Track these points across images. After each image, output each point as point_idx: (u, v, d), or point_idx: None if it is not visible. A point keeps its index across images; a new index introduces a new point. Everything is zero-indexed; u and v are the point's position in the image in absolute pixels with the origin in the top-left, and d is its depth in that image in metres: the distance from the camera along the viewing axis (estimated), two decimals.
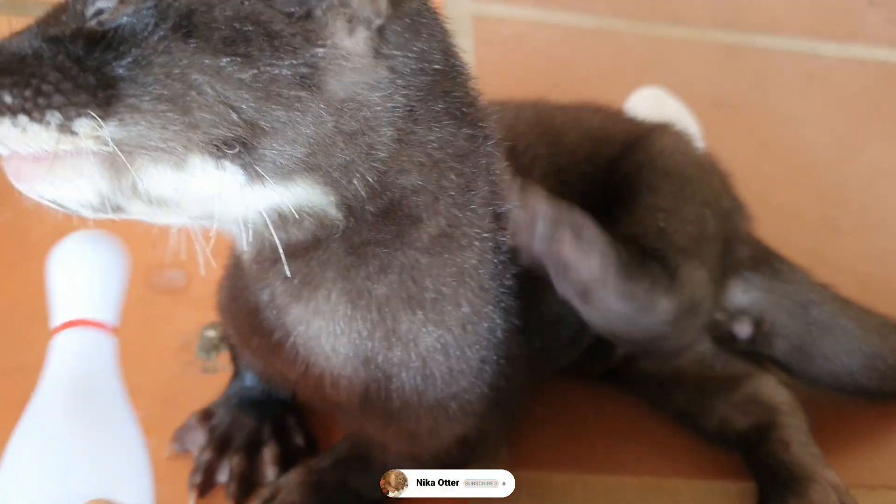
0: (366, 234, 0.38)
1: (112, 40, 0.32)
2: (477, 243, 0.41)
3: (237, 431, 0.51)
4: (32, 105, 0.32)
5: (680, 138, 0.59)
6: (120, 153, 0.32)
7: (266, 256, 0.40)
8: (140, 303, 0.58)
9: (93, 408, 0.35)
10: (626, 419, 0.56)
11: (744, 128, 0.83)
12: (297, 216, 0.36)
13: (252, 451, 0.50)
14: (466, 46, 0.80)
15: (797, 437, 0.53)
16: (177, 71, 0.32)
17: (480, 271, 0.42)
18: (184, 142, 0.32)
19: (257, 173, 0.34)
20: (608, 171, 0.56)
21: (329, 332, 0.40)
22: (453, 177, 0.39)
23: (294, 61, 0.33)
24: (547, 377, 0.54)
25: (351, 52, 0.34)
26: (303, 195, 0.36)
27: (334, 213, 0.37)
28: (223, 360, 0.56)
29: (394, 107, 0.36)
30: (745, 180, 0.74)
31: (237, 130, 0.33)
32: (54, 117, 0.32)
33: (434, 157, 0.38)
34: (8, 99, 0.32)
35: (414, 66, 0.37)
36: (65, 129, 0.32)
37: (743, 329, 0.57)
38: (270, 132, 0.33)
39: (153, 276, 0.61)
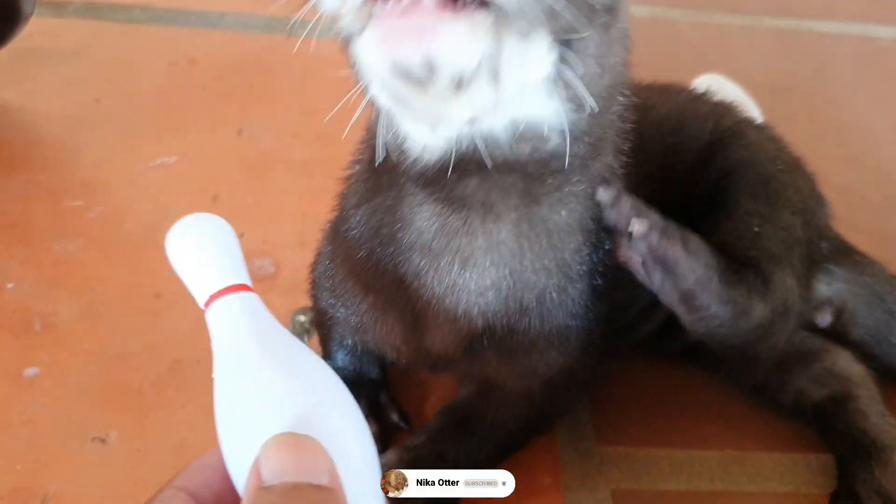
0: (558, 165, 0.38)
1: None
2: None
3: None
4: None
5: (771, 138, 0.61)
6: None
7: (441, 178, 0.39)
8: None
9: (277, 341, 0.37)
10: (707, 395, 0.58)
11: (802, 112, 0.83)
12: (544, 133, 0.36)
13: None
14: None
15: (875, 408, 0.54)
16: None
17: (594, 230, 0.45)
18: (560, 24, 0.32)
19: (565, 79, 0.34)
20: (694, 165, 0.57)
21: (482, 264, 0.42)
22: (615, 137, 0.42)
23: None
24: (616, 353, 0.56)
25: None
26: (562, 112, 0.36)
27: (556, 139, 0.37)
28: (314, 344, 0.58)
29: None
30: (808, 164, 0.76)
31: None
32: None
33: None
34: None
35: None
36: None
37: (824, 318, 0.58)
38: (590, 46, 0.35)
39: None
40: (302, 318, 0.59)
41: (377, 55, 0.30)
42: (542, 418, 0.52)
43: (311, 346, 0.57)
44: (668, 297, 0.48)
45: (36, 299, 0.59)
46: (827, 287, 0.58)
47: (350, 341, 0.54)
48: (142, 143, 0.71)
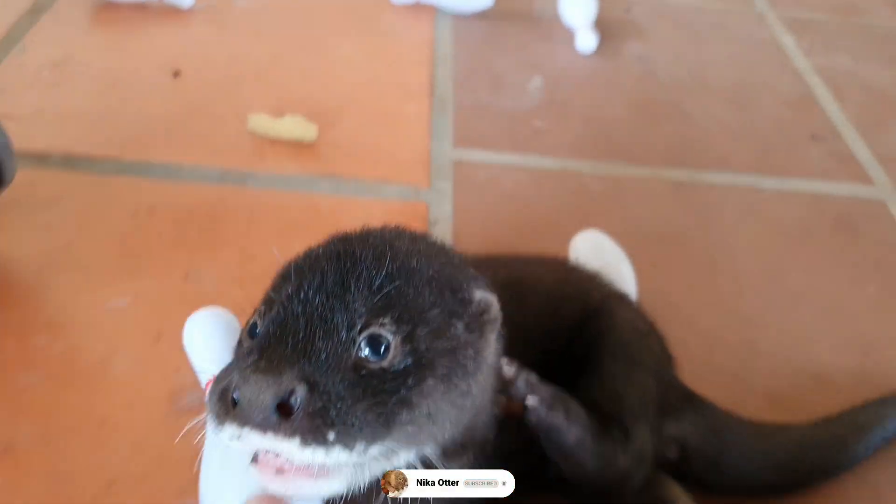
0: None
1: (386, 377, 0.43)
2: None
3: None
4: (347, 438, 0.41)
5: (633, 309, 0.74)
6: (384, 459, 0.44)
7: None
8: (164, 421, 0.72)
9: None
10: None
11: (684, 259, 0.95)
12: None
13: None
14: (446, 190, 0.96)
15: None
16: (431, 401, 0.44)
17: None
18: (419, 442, 0.45)
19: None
20: (570, 332, 0.69)
21: None
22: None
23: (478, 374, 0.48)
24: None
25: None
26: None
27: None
28: None
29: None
30: (679, 307, 0.88)
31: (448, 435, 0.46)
32: (360, 445, 0.41)
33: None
34: (331, 436, 0.40)
35: None
36: (361, 452, 0.41)
37: (672, 451, 0.70)
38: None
39: (176, 396, 0.74)
40: None
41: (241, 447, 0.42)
42: None
43: None
44: (551, 453, 0.59)
45: (1, 425, 0.70)
46: (675, 427, 0.70)
47: None
48: (101, 286, 0.83)
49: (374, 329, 0.44)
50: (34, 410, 0.72)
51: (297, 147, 1.03)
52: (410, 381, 0.44)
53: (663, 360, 0.72)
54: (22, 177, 0.86)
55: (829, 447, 0.73)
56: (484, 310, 0.48)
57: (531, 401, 0.57)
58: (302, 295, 0.45)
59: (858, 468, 0.74)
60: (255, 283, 0.85)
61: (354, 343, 0.43)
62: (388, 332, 0.44)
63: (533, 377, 0.58)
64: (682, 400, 0.72)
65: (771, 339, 0.87)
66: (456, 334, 0.46)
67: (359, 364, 0.43)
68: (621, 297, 0.75)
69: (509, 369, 0.56)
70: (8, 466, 0.67)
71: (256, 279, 0.85)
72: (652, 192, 1.05)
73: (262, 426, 0.39)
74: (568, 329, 0.69)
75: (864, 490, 0.73)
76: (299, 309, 0.44)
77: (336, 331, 0.43)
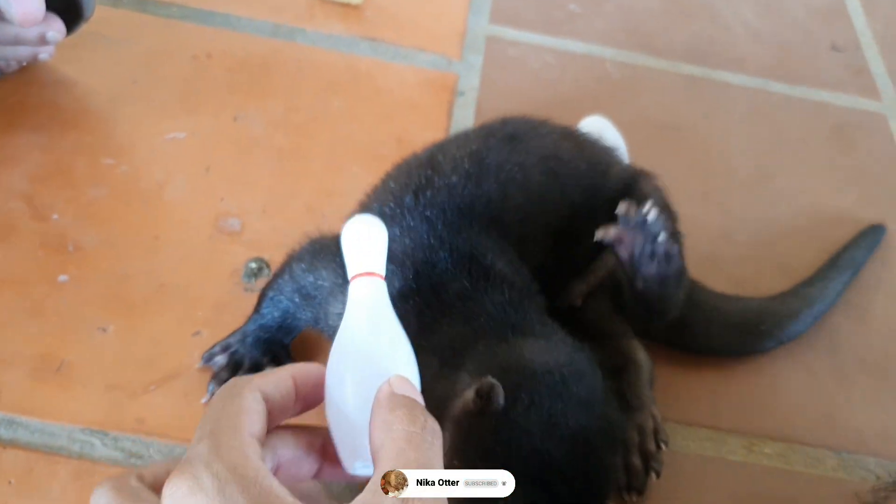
0: None
1: None
2: None
3: (247, 359, 0.74)
4: None
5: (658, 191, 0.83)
6: None
7: None
8: (209, 240, 0.85)
9: (385, 324, 0.53)
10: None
11: (682, 150, 1.05)
12: None
13: (253, 372, 0.70)
14: (476, 64, 1.05)
15: (640, 381, 0.77)
16: None
17: None
18: None
19: None
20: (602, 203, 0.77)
21: None
22: None
23: None
24: None
25: None
26: None
27: None
28: (259, 284, 0.82)
29: None
30: (670, 192, 0.97)
31: None
32: None
33: None
34: None
35: None
36: None
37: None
38: None
39: (219, 221, 0.87)
40: (254, 264, 0.84)
41: None
42: None
43: (257, 286, 0.82)
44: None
45: (72, 228, 0.84)
46: None
47: (285, 309, 0.73)
48: (162, 120, 0.95)
49: None
50: (100, 220, 0.85)
51: (345, 9, 1.12)
52: None
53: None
54: (99, 13, 0.96)
55: (784, 316, 0.86)
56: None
57: (662, 236, 0.69)
58: None
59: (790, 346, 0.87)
60: (295, 133, 0.97)
61: None
62: None
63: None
64: None
65: (747, 231, 0.97)
66: None
67: None
68: (647, 175, 0.83)
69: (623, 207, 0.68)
70: (77, 261, 0.81)
71: (298, 127, 0.97)
72: (666, 84, 1.13)
73: None
74: (612, 196, 0.76)
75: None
76: None
77: None
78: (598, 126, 0.96)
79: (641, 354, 0.80)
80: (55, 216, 0.84)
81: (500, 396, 0.52)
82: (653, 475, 0.72)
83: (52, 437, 0.69)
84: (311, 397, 0.50)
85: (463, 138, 0.79)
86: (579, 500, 0.53)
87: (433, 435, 0.43)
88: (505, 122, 0.81)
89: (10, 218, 0.83)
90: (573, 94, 1.09)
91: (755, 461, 0.77)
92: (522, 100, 1.06)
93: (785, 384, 0.83)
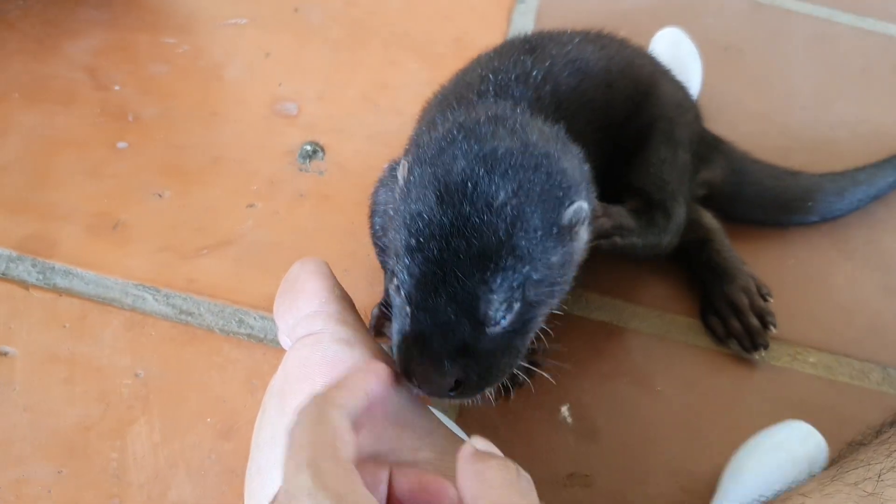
0: None
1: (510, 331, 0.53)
2: None
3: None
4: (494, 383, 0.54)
5: (674, 82, 0.83)
6: None
7: None
8: (265, 121, 0.86)
9: None
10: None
11: (744, 69, 1.03)
12: None
13: None
14: None
15: (725, 247, 0.80)
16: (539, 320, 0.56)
17: None
18: None
19: None
20: (626, 104, 0.77)
21: None
22: None
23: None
24: None
25: None
26: None
27: None
28: (314, 167, 0.82)
29: None
30: (727, 110, 0.96)
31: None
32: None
33: None
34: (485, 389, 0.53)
35: None
36: None
37: (702, 190, 0.83)
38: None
39: (276, 105, 0.88)
40: (308, 147, 0.84)
41: None
42: None
43: (310, 166, 0.83)
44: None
45: (132, 100, 0.85)
46: (706, 173, 0.83)
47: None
48: (224, 5, 0.95)
49: (497, 312, 0.51)
50: (160, 94, 0.86)
51: None
52: (528, 324, 0.54)
53: (696, 123, 0.83)
54: None
55: (831, 193, 0.87)
56: (577, 221, 0.54)
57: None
58: (430, 294, 0.50)
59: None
60: (352, 25, 0.97)
61: (488, 320, 0.51)
62: (508, 309, 0.52)
63: (612, 209, 0.69)
64: (711, 149, 0.84)
65: (805, 151, 0.95)
66: (555, 260, 0.53)
67: (491, 335, 0.52)
68: (665, 72, 0.84)
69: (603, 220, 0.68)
70: (136, 130, 0.82)
71: (356, 21, 0.97)
72: (731, 7, 1.11)
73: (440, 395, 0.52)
74: (624, 112, 0.77)
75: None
76: (434, 303, 0.50)
77: (473, 316, 0.50)
78: (673, 38, 0.95)
79: (710, 219, 0.82)
80: (117, 87, 0.85)
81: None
82: (771, 328, 0.76)
83: (106, 289, 0.71)
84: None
85: (485, 58, 0.77)
86: None
87: (529, 483, 0.42)
88: (526, 38, 0.80)
89: (72, 86, 0.84)
90: (636, 7, 1.07)
91: (799, 368, 0.77)
92: (583, 11, 1.05)
93: (834, 297, 0.82)
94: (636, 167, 0.75)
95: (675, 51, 0.95)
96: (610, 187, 0.71)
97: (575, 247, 0.56)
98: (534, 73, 0.71)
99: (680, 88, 0.84)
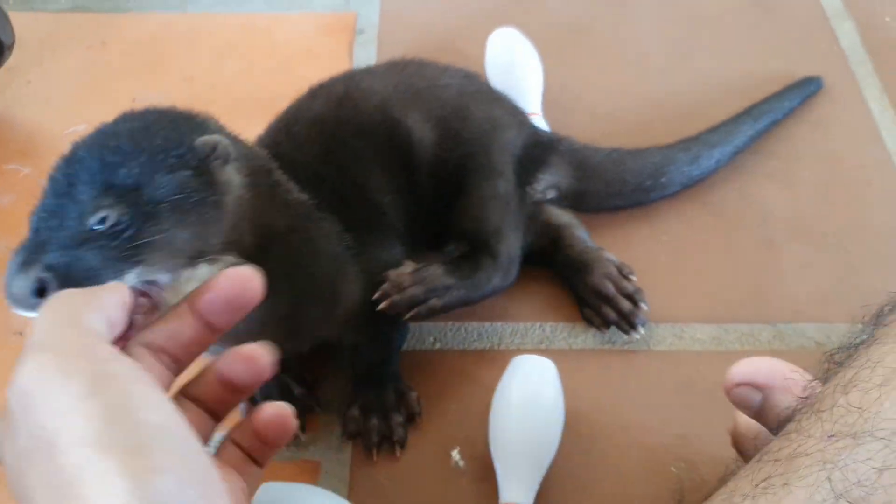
0: None
1: (116, 235, 0.49)
2: None
3: None
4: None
5: (485, 96, 0.80)
6: None
7: None
8: None
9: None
10: None
11: (595, 47, 1.02)
12: None
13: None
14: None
15: (577, 240, 0.79)
16: (165, 237, 0.51)
17: None
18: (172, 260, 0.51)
19: None
20: (439, 148, 0.75)
21: None
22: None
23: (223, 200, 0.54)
24: None
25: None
26: None
27: None
28: None
29: None
30: (582, 97, 0.95)
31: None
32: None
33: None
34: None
35: None
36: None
37: (550, 194, 0.82)
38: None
39: None
40: None
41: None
42: None
43: None
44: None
45: None
46: (548, 178, 0.81)
47: None
48: (62, 116, 0.94)
49: (99, 213, 0.50)
50: (7, 226, 0.85)
51: None
52: (139, 230, 0.51)
53: (521, 134, 0.80)
54: None
55: (684, 163, 0.85)
56: (209, 152, 0.54)
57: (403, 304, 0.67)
58: (45, 198, 0.53)
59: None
60: (193, 101, 0.95)
61: (87, 225, 0.50)
62: (109, 211, 0.50)
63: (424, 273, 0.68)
64: (547, 152, 0.82)
65: (666, 115, 0.94)
66: (184, 182, 0.52)
67: (91, 236, 0.49)
68: (473, 93, 0.80)
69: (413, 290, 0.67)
70: None
71: (194, 97, 0.96)
72: None
73: (31, 307, 0.48)
74: (428, 137, 0.75)
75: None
76: (44, 210, 0.52)
77: (71, 219, 0.50)
78: (507, 40, 0.93)
79: (559, 216, 0.81)
80: None
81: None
82: (642, 305, 0.75)
83: None
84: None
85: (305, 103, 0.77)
86: None
87: None
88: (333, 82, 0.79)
89: None
90: (479, 10, 1.06)
91: (687, 347, 0.76)
92: (425, 29, 1.04)
93: (715, 263, 0.82)
94: (457, 210, 0.74)
95: (510, 52, 0.94)
96: (438, 232, 0.72)
97: (217, 177, 0.55)
98: (309, 116, 0.73)
99: (494, 106, 0.80)
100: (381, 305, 0.66)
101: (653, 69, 1.00)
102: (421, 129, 0.74)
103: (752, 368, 0.52)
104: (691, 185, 0.86)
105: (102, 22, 1.04)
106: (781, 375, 0.49)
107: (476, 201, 0.74)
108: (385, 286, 0.66)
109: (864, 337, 0.43)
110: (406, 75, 0.78)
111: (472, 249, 0.72)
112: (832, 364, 0.44)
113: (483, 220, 0.73)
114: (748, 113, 0.89)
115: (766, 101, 0.92)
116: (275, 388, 0.70)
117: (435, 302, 0.68)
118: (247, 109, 0.91)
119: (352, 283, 0.65)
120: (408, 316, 0.67)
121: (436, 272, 0.69)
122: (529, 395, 0.66)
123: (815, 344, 0.76)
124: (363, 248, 0.65)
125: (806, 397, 0.43)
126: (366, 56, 1.00)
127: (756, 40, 1.03)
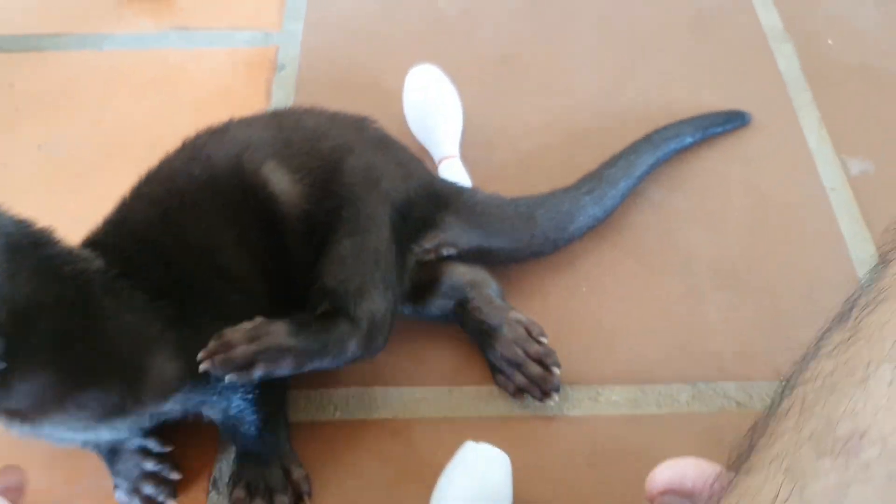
0: None
1: None
2: None
3: None
4: None
5: (367, 158, 0.73)
6: None
7: None
8: None
9: None
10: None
11: (522, 80, 0.97)
12: None
13: None
14: (297, 31, 0.99)
15: (484, 300, 0.74)
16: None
17: None
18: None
19: None
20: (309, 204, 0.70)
21: None
22: None
23: None
24: None
25: None
26: None
27: None
28: None
29: None
30: (507, 129, 0.91)
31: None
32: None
33: None
34: None
35: None
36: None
37: (449, 251, 0.76)
38: None
39: None
40: None
41: None
42: None
43: None
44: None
45: None
46: (443, 235, 0.75)
47: None
48: None
49: None
50: None
51: (155, 3, 1.06)
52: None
53: (407, 181, 0.74)
54: None
55: (590, 205, 0.80)
56: None
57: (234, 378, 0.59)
58: None
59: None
60: (103, 147, 0.92)
61: None
62: None
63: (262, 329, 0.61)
64: (441, 207, 0.76)
65: (593, 147, 0.87)
66: None
67: None
68: (351, 146, 0.73)
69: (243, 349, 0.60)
70: None
71: (105, 143, 0.92)
72: (507, 8, 1.06)
73: None
74: (296, 193, 0.69)
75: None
76: None
77: None
78: (423, 79, 0.89)
79: (468, 274, 0.76)
80: None
81: None
82: (554, 370, 0.71)
83: None
84: None
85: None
86: None
87: None
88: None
89: None
90: (403, 43, 1.02)
91: (603, 411, 0.72)
92: (347, 63, 0.99)
93: (636, 315, 0.78)
94: (321, 267, 0.67)
95: (426, 94, 0.89)
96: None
97: None
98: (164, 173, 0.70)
99: (377, 155, 0.74)
100: (202, 367, 0.58)
101: (582, 100, 0.95)
102: (281, 181, 0.68)
103: (677, 473, 0.48)
104: (601, 224, 0.82)
105: (14, 62, 1.00)
106: (708, 479, 0.45)
107: (337, 258, 0.67)
108: (211, 344, 0.59)
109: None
110: (283, 125, 0.73)
111: (332, 310, 0.66)
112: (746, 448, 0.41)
113: (344, 279, 0.66)
114: (648, 140, 0.86)
115: (670, 126, 0.88)
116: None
117: (262, 366, 0.60)
118: (164, 151, 0.88)
119: (164, 356, 0.59)
120: (227, 379, 0.59)
121: (276, 330, 0.61)
122: (475, 492, 0.62)
123: (736, 405, 0.72)
124: (194, 318, 0.60)
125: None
126: (285, 94, 0.96)
127: (693, 66, 0.99)
